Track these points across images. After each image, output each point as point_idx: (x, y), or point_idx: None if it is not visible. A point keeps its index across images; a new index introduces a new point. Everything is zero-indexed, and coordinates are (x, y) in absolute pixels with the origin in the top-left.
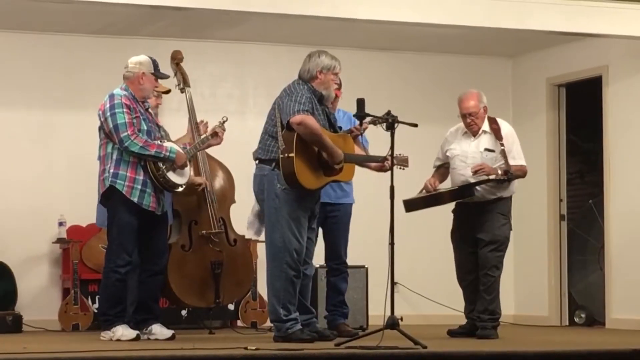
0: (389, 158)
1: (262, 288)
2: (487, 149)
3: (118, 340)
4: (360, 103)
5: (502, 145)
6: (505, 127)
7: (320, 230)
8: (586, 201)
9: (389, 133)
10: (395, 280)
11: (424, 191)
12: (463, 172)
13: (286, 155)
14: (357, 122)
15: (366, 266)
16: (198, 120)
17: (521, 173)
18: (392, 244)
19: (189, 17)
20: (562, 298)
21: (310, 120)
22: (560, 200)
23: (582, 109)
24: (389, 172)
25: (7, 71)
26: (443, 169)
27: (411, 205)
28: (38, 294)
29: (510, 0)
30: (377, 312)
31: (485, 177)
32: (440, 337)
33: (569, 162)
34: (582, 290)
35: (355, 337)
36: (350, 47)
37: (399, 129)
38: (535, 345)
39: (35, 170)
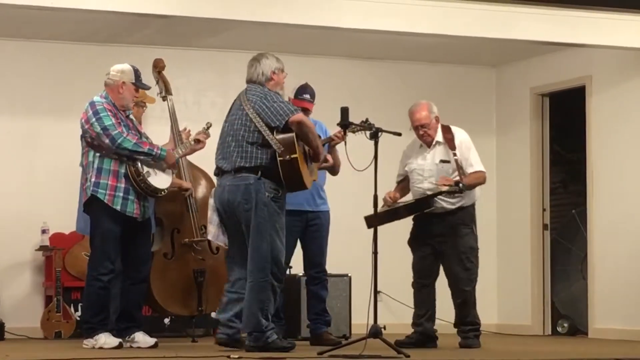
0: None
1: None
2: (442, 161)
3: (100, 348)
4: (344, 112)
5: (454, 155)
6: (459, 135)
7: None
8: (569, 211)
9: (369, 141)
10: (378, 289)
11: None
12: (420, 186)
13: (287, 157)
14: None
15: (349, 275)
16: (181, 128)
17: (481, 180)
18: (375, 252)
19: (173, 25)
20: (545, 307)
21: (307, 119)
22: (544, 210)
23: (565, 118)
24: (373, 182)
25: None
26: (405, 182)
27: (372, 221)
28: (20, 301)
29: (494, 10)
30: (360, 320)
31: (438, 190)
32: (422, 346)
33: (553, 172)
34: (565, 300)
35: (338, 345)
36: (334, 55)
37: (382, 137)
38: (518, 354)
39: (18, 178)
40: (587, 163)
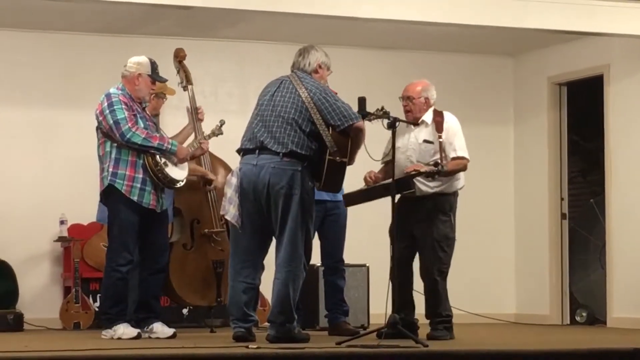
0: None
1: (263, 287)
2: (425, 141)
3: (119, 338)
4: (362, 102)
5: (440, 137)
6: (449, 120)
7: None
8: (587, 200)
9: (385, 130)
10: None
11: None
12: (403, 165)
13: (338, 159)
14: None
15: (367, 265)
16: (197, 105)
17: (461, 166)
18: (393, 244)
19: (190, 15)
20: (563, 297)
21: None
22: (562, 199)
23: (583, 107)
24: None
25: (8, 70)
26: (390, 165)
27: (350, 199)
28: (39, 292)
29: None
30: (379, 310)
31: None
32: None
33: (570, 161)
34: (583, 289)
35: (356, 335)
36: (352, 45)
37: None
38: (537, 344)
39: (36, 169)
40: (605, 152)
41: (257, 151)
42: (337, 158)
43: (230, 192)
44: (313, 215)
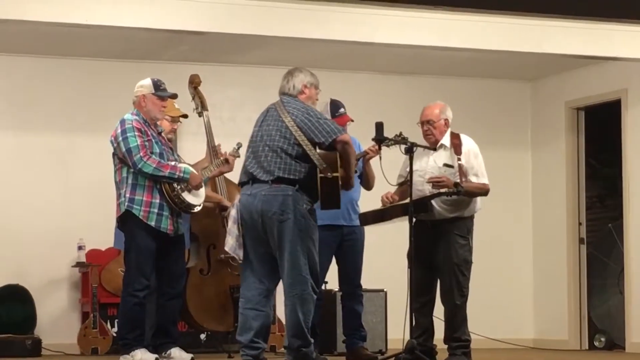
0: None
1: (280, 312)
2: (445, 165)
3: None
4: (379, 127)
5: (459, 159)
6: (467, 143)
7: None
8: (606, 225)
9: (402, 155)
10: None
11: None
12: (421, 188)
13: (329, 175)
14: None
15: (385, 290)
16: (215, 144)
17: (482, 191)
18: (411, 267)
19: (209, 41)
20: (582, 322)
21: (351, 140)
22: (580, 224)
23: (601, 132)
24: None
25: (29, 95)
26: (406, 186)
27: (365, 219)
28: (57, 317)
29: (529, 24)
30: (396, 335)
31: (436, 191)
32: None
33: (589, 186)
34: (602, 314)
35: None
36: (369, 71)
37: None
38: None
39: (54, 194)
40: (623, 177)
41: (250, 182)
42: (329, 174)
43: (229, 224)
44: (314, 237)
